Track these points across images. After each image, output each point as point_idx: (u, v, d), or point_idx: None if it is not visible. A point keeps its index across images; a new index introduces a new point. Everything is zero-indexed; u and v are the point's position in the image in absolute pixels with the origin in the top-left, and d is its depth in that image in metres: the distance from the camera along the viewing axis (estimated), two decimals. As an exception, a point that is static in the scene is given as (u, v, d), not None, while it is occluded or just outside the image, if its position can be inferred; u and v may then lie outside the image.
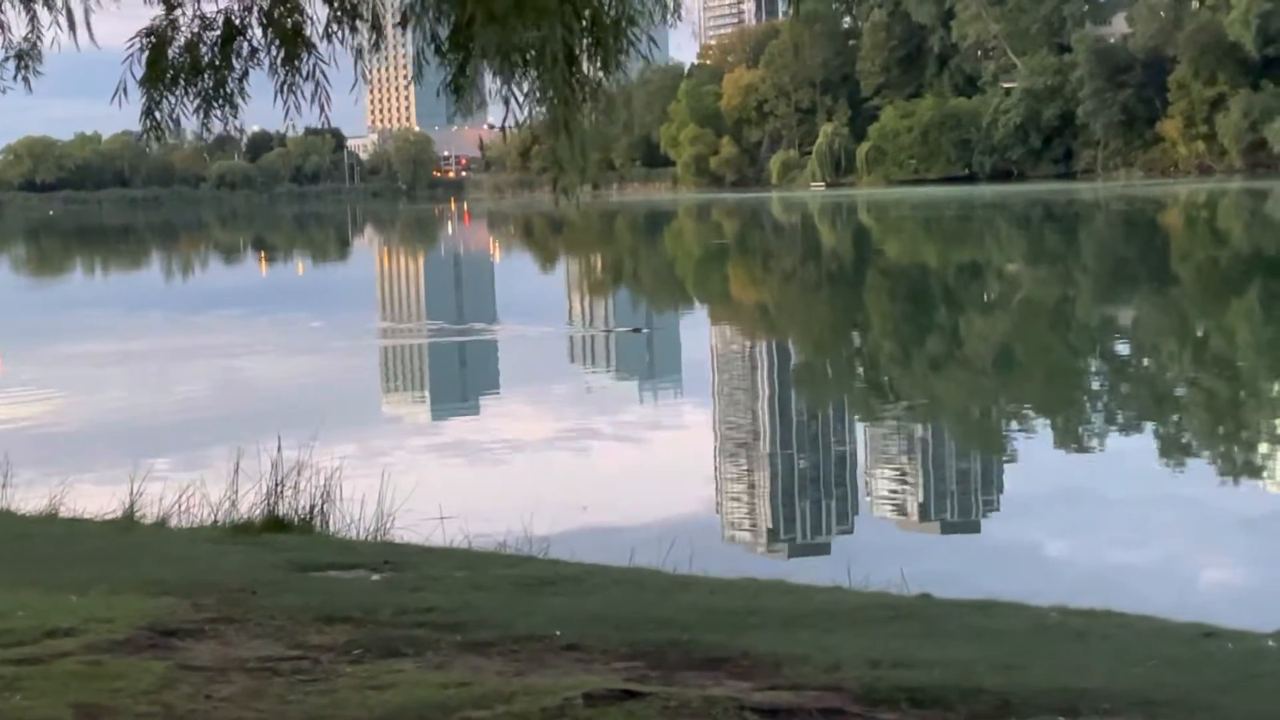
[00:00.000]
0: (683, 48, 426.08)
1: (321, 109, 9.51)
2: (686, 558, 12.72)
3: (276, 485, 14.27)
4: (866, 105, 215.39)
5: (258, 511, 13.99)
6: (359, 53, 9.35)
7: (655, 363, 36.26)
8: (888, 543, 17.63)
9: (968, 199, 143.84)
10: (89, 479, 19.77)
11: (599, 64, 9.47)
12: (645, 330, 40.62)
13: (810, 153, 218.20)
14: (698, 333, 41.30)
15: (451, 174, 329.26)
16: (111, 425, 27.37)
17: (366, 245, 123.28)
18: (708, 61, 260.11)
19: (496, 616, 8.68)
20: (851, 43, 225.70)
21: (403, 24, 9.16)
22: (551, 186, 9.67)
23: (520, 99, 9.07)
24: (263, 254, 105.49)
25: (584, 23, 9.39)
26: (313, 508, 14.17)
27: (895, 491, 20.18)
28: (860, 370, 35.08)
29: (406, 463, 22.51)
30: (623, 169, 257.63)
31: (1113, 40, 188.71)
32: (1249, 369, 31.56)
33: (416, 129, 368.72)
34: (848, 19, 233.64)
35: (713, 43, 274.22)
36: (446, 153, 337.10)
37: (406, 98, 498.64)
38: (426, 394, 33.15)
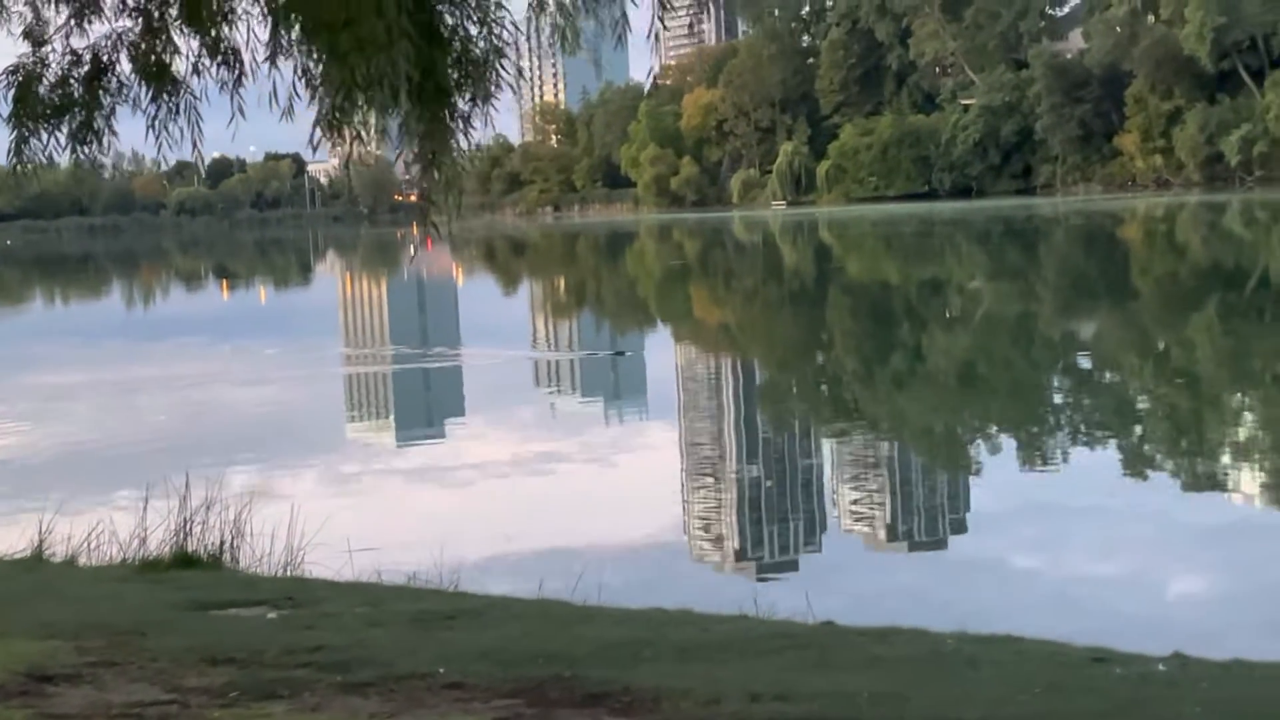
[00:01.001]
0: (642, 68, 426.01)
1: (194, 144, 9.61)
2: (611, 585, 12.86)
3: (185, 521, 14.12)
4: (826, 123, 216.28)
5: (167, 548, 13.81)
6: (224, 86, 9.47)
7: (621, 385, 36.25)
8: (855, 562, 17.67)
9: (928, 216, 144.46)
10: (3, 515, 19.64)
11: (469, 98, 9.56)
12: (628, 353, 40.61)
13: (771, 171, 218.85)
14: (663, 354, 41.32)
15: (413, 197, 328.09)
16: (42, 458, 26.91)
17: (329, 270, 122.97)
18: (667, 82, 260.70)
19: (384, 654, 8.69)
20: (810, 61, 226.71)
21: (271, 60, 9.21)
22: (422, 220, 9.92)
23: (395, 134, 9.30)
24: (224, 281, 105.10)
25: (452, 56, 9.46)
26: (223, 543, 14.03)
27: (862, 510, 20.21)
28: (825, 388, 35.15)
29: (352, 491, 22.55)
30: (584, 190, 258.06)
31: (1069, 56, 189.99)
32: (1210, 381, 31.76)
33: (377, 153, 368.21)
34: (806, 37, 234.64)
35: (672, 63, 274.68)
36: (408, 176, 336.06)
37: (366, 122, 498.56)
38: (390, 420, 33.06)
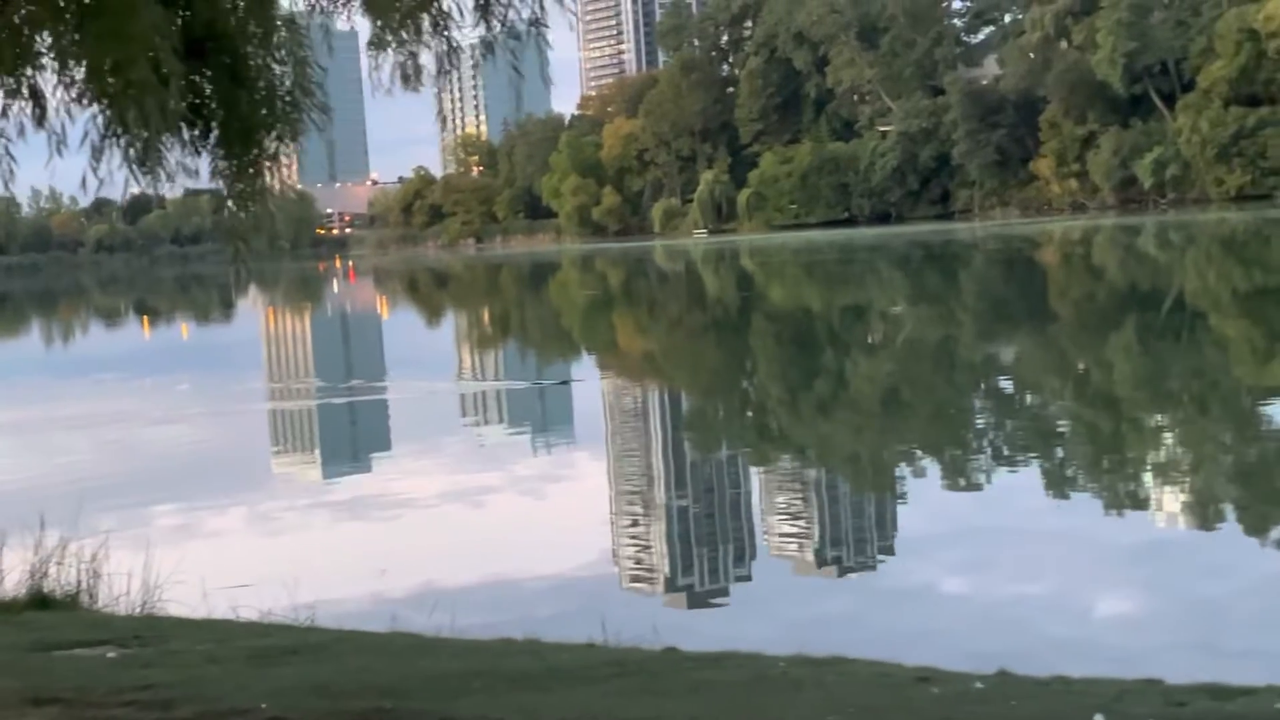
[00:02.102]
0: (564, 100, 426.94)
1: (4, 183, 9.82)
2: (538, 617, 13.01)
3: (42, 563, 14.05)
4: (746, 152, 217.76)
5: (24, 589, 13.76)
6: (23, 129, 9.65)
7: (548, 415, 36.30)
8: (785, 588, 17.79)
9: (848, 242, 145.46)
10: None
11: (276, 135, 9.75)
12: (576, 381, 40.66)
13: (692, 200, 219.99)
14: (588, 383, 41.35)
15: (335, 231, 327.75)
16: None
17: (251, 305, 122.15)
18: (588, 112, 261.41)
19: (212, 691, 8.80)
20: (729, 90, 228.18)
21: (79, 100, 9.35)
22: (232, 256, 10.13)
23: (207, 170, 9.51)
24: (145, 317, 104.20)
25: (259, 93, 9.63)
26: (79, 584, 13.97)
27: (792, 535, 20.36)
28: (751, 415, 35.36)
29: (245, 528, 22.57)
30: (506, 221, 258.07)
31: (985, 82, 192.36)
32: (1129, 402, 32.23)
33: (299, 186, 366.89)
34: (725, 66, 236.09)
35: (593, 93, 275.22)
36: (330, 210, 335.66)
37: (288, 156, 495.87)
38: (316, 455, 32.83)
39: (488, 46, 10.32)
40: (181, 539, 21.55)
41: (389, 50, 10.04)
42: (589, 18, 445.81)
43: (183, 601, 14.05)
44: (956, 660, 12.98)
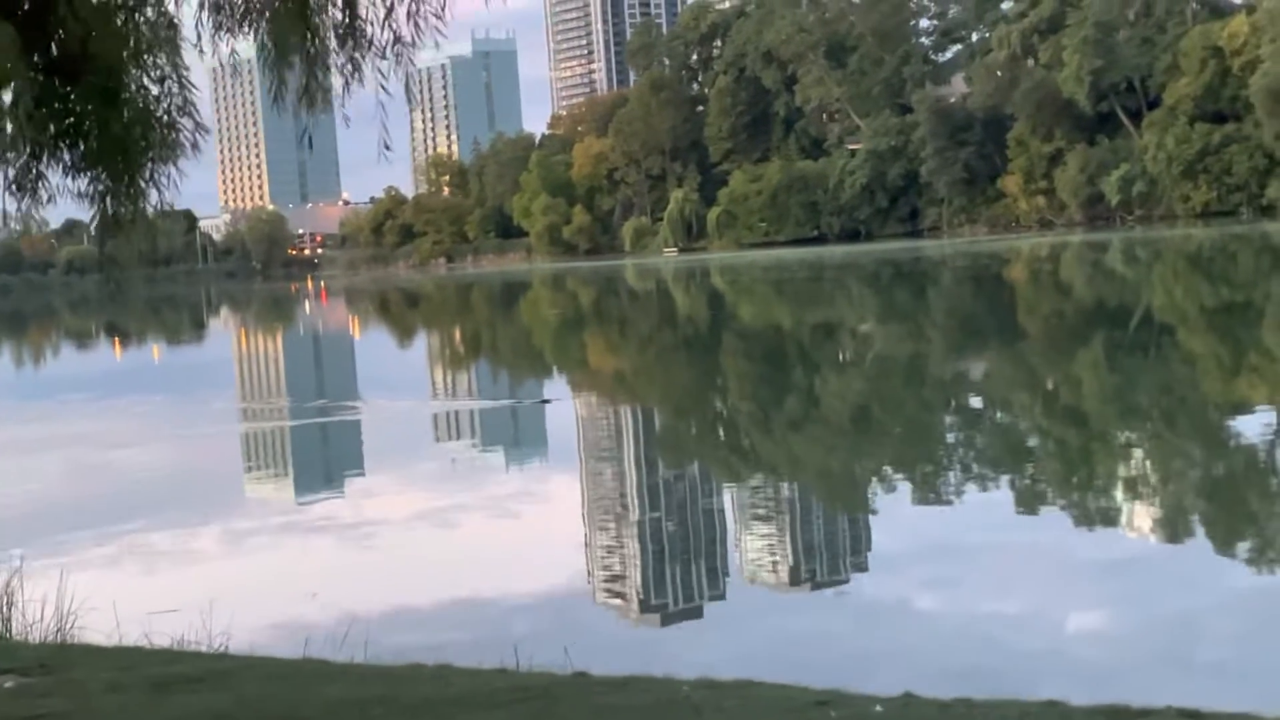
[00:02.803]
0: (536, 118, 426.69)
1: None
2: (512, 637, 13.15)
3: None
4: (716, 170, 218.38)
5: None
6: None
7: (521, 435, 36.39)
8: (758, 606, 17.89)
9: (818, 260, 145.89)
10: None
11: (151, 157, 9.87)
12: (551, 400, 40.69)
13: (662, 219, 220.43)
14: (563, 403, 41.42)
15: (307, 251, 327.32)
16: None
17: (223, 326, 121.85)
18: (558, 131, 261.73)
19: None
20: (699, 109, 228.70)
21: None
22: (105, 280, 10.23)
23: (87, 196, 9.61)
24: (116, 339, 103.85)
25: (133, 114, 9.75)
26: None
27: (765, 553, 20.48)
28: (723, 433, 35.50)
29: (198, 552, 22.55)
30: (477, 240, 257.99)
31: (952, 100, 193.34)
32: (1097, 418, 32.47)
33: (270, 207, 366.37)
34: (694, 85, 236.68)
35: (563, 113, 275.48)
36: (301, 230, 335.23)
37: (259, 177, 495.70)
38: (282, 476, 32.73)
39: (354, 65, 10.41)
40: (118, 564, 21.64)
41: (292, 71, 10.16)
42: (560, 37, 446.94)
43: (99, 629, 14.04)
44: (931, 678, 13.15)
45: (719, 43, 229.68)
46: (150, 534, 24.11)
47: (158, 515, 25.91)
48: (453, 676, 10.78)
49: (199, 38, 10.01)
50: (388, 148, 10.59)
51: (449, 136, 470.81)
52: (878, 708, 9.21)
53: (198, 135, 10.30)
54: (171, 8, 9.91)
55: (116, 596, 15.65)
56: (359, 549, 22.21)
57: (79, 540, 23.36)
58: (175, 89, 9.96)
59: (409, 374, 58.25)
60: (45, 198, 9.93)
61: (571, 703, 9.64)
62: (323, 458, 35.60)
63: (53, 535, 23.92)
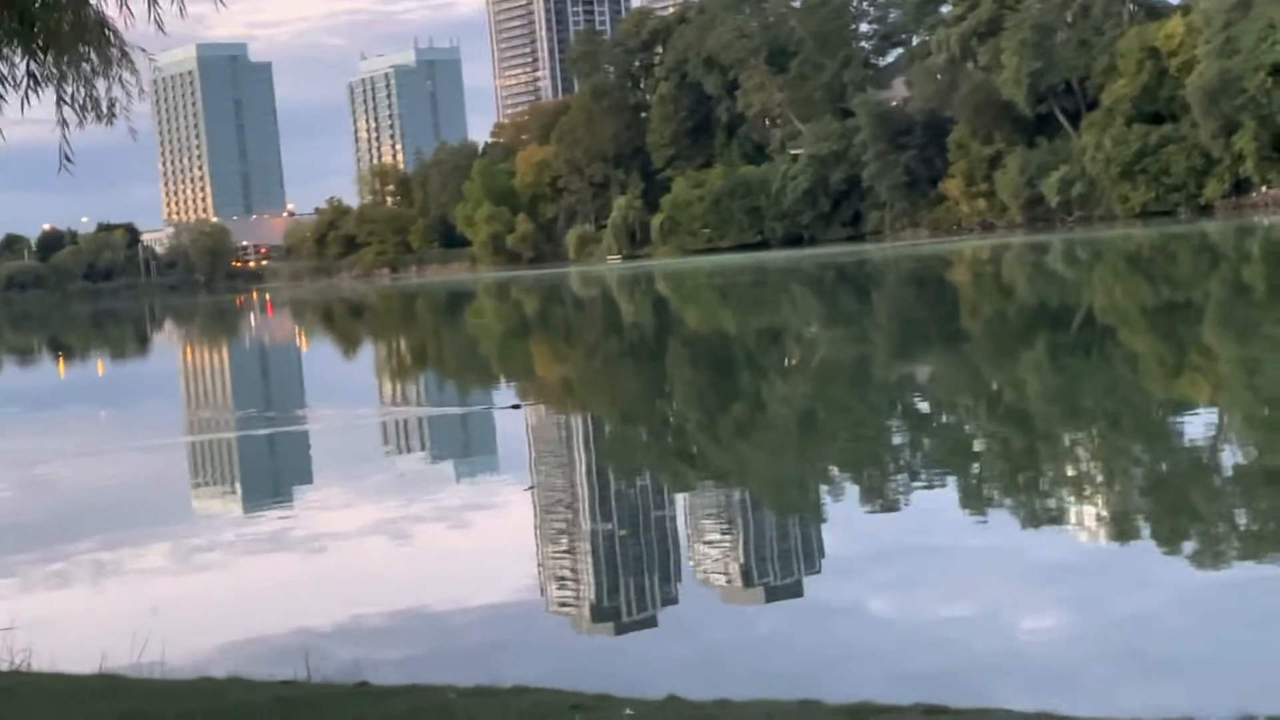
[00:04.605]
0: (484, 127, 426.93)
1: None
2: (460, 649, 13.12)
3: None
4: (658, 177, 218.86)
5: None
6: None
7: (470, 443, 36.36)
8: (711, 612, 17.97)
9: (761, 265, 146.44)
10: None
11: None
12: (522, 405, 40.63)
13: (605, 226, 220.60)
14: (509, 412, 41.36)
15: (251, 264, 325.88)
16: None
17: (167, 340, 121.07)
18: (501, 140, 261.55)
19: None
20: (641, 115, 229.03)
21: None
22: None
23: None
24: (59, 355, 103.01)
25: None
26: None
27: (717, 560, 20.55)
28: (671, 440, 35.57)
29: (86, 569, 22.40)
30: (420, 250, 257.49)
31: (893, 104, 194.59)
32: (1042, 418, 32.75)
33: (214, 220, 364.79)
34: (637, 92, 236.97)
35: (506, 121, 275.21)
36: (245, 242, 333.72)
37: (203, 189, 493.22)
38: (236, 490, 32.60)
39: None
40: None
41: (69, 84, 10.38)
42: (505, 45, 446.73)
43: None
44: (888, 682, 13.27)
45: (660, 49, 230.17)
46: (58, 551, 23.93)
47: (75, 532, 25.74)
48: (233, 689, 11.04)
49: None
50: (69, 159, 10.71)
51: (394, 145, 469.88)
52: (628, 711, 9.41)
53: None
54: None
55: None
56: (305, 560, 22.17)
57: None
58: None
59: (361, 383, 58.06)
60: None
61: (331, 713, 9.88)
62: (270, 470, 35.43)
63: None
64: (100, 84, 10.58)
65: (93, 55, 10.46)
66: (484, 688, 10.54)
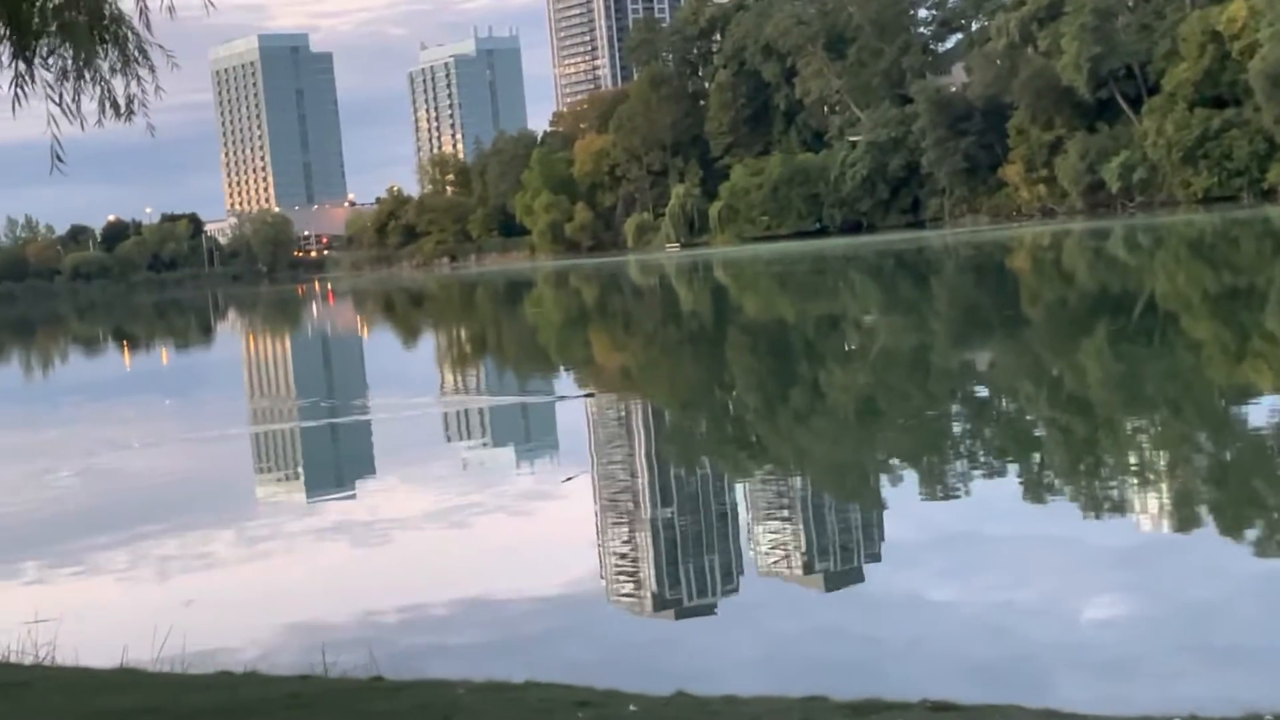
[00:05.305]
0: (539, 116, 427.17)
1: None
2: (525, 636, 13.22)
3: None
4: (717, 164, 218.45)
5: None
6: None
7: (531, 433, 36.57)
8: (772, 600, 18.04)
9: (820, 252, 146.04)
10: None
11: None
12: (593, 394, 40.83)
13: (664, 214, 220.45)
14: (573, 400, 41.51)
15: (313, 253, 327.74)
16: None
17: (231, 329, 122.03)
18: (560, 129, 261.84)
19: None
20: (700, 103, 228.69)
21: None
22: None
23: None
24: (124, 344, 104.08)
25: None
26: None
27: (778, 547, 20.63)
28: (731, 428, 35.65)
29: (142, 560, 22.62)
30: (480, 239, 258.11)
31: (952, 89, 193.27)
32: (1104, 405, 32.61)
33: (276, 210, 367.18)
34: (694, 79, 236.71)
35: (565, 110, 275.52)
36: (306, 232, 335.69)
37: (265, 180, 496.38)
38: (300, 479, 32.86)
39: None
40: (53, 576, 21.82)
41: (86, 81, 10.52)
42: (564, 34, 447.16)
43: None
44: (940, 669, 13.31)
45: (718, 37, 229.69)
46: (80, 547, 24.09)
47: (131, 522, 26.02)
48: (248, 684, 11.16)
49: None
50: (59, 159, 10.81)
51: (454, 135, 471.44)
52: (632, 707, 9.50)
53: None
54: None
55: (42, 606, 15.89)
56: (365, 550, 22.39)
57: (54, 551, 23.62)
58: None
59: (426, 372, 58.31)
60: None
61: (333, 708, 10.03)
62: (333, 460, 35.73)
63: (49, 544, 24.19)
64: (119, 82, 10.68)
65: (111, 52, 10.58)
66: (494, 683, 10.64)
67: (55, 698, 10.86)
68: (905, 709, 9.59)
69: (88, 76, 10.56)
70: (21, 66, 10.45)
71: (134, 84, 10.73)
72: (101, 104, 10.71)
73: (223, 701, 10.36)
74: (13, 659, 13.40)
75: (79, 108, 10.66)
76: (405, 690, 10.55)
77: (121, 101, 10.74)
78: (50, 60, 10.51)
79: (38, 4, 10.28)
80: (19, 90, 10.48)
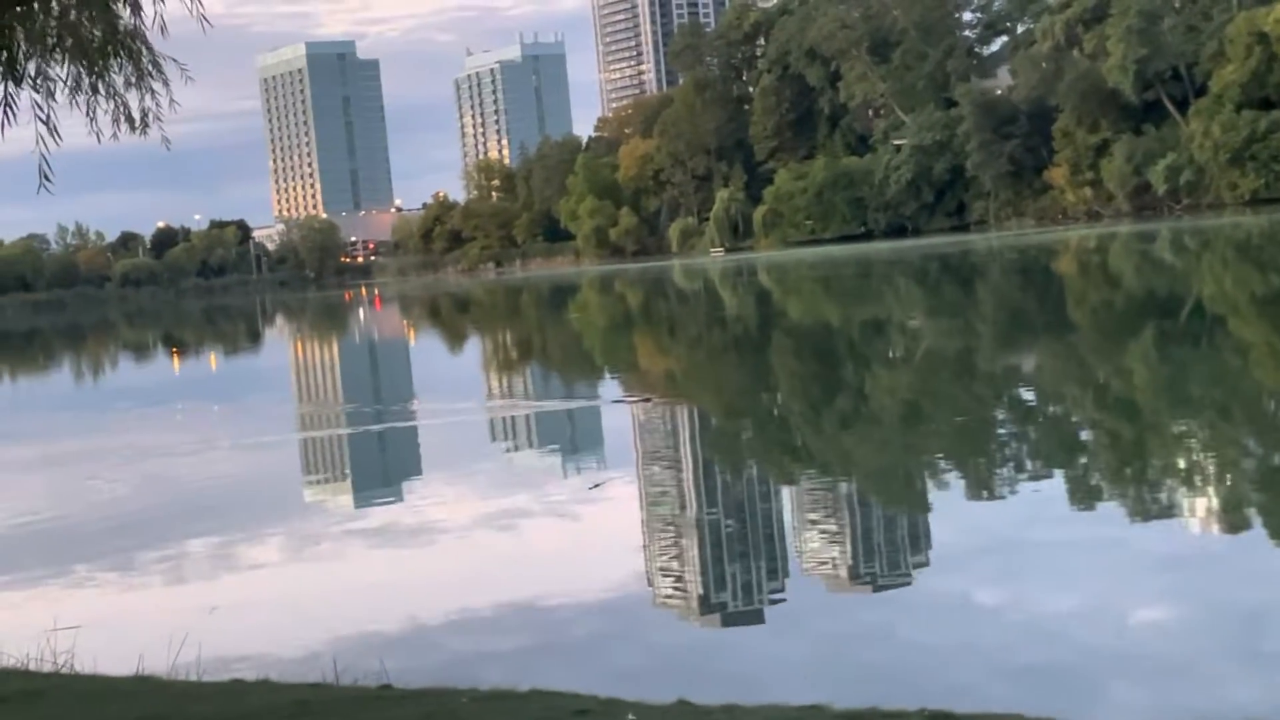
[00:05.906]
0: (584, 121, 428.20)
1: None
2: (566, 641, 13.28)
3: None
4: (761, 169, 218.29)
5: None
6: None
7: (577, 437, 36.66)
8: (819, 605, 18.06)
9: (864, 256, 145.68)
10: None
11: None
12: (651, 400, 40.87)
13: (708, 219, 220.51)
14: (618, 405, 41.58)
15: (360, 259, 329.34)
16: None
17: (279, 335, 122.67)
18: (605, 134, 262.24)
19: None
20: (744, 108, 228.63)
21: None
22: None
23: None
24: (173, 350, 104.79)
25: None
26: None
27: (824, 552, 20.65)
28: (777, 433, 35.65)
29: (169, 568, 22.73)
30: (525, 244, 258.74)
31: (998, 92, 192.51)
32: (1151, 409, 32.46)
33: (323, 216, 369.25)
34: (739, 84, 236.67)
35: (609, 115, 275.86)
36: (354, 238, 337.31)
37: (312, 186, 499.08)
38: (348, 484, 33.05)
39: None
40: (88, 584, 21.95)
41: (100, 97, 10.65)
42: (609, 40, 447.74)
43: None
44: (990, 674, 13.32)
45: (763, 41, 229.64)
46: (130, 551, 24.24)
47: (174, 527, 26.19)
48: (256, 692, 11.25)
49: None
50: (48, 179, 10.89)
51: (499, 140, 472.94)
52: (631, 715, 9.55)
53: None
54: None
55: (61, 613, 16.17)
56: (415, 552, 22.51)
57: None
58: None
59: (474, 378, 58.52)
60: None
61: (337, 716, 10.14)
62: (381, 466, 35.90)
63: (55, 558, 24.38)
64: (134, 96, 10.82)
65: (126, 67, 10.71)
66: (498, 691, 10.77)
67: (63, 706, 11.02)
68: (902, 717, 9.64)
69: (101, 91, 10.70)
70: (11, 86, 10.60)
71: (148, 98, 10.87)
72: (115, 118, 10.84)
73: (229, 709, 10.49)
74: (31, 667, 13.55)
75: (94, 122, 10.81)
76: (411, 699, 10.67)
77: (136, 116, 10.88)
78: (39, 81, 10.64)
79: (48, 20, 10.42)
80: (7, 110, 10.60)
